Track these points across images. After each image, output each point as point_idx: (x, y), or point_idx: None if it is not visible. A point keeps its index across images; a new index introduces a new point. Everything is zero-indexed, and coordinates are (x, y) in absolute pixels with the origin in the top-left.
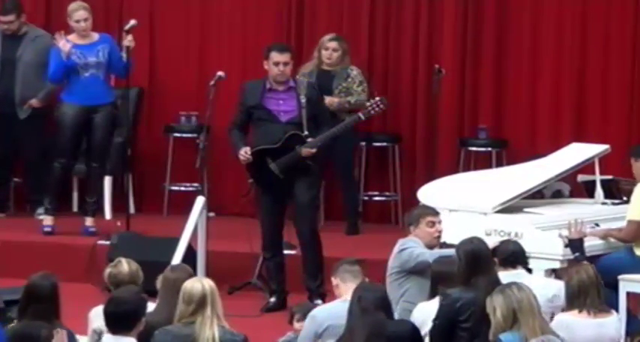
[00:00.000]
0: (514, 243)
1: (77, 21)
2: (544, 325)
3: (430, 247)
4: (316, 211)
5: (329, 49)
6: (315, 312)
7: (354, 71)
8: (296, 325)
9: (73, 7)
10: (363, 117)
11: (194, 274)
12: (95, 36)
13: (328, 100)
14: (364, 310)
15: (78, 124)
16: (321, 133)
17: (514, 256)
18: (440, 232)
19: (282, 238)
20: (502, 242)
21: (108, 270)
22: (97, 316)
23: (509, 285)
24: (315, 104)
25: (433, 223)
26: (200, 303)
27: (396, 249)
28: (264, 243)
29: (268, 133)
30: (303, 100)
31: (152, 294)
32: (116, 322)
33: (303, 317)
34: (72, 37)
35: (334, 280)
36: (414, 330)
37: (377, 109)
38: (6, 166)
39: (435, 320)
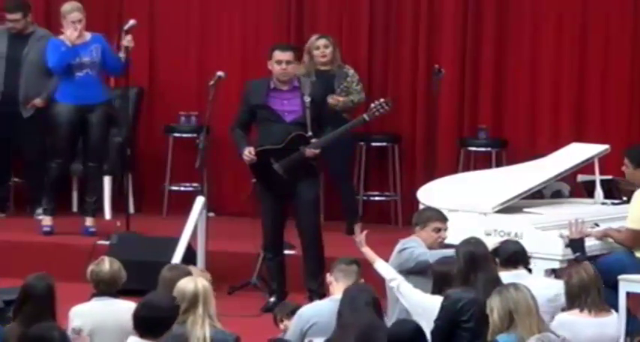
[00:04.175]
0: (515, 243)
1: (72, 22)
2: (541, 325)
3: (431, 249)
4: (320, 211)
5: (320, 48)
6: (302, 310)
7: (351, 71)
8: (281, 326)
9: (67, 8)
10: (367, 118)
11: (191, 273)
12: (88, 36)
13: (333, 99)
14: (356, 309)
15: (73, 123)
16: (324, 133)
17: (515, 256)
18: (444, 239)
19: (283, 238)
20: (503, 242)
21: (90, 267)
22: (76, 316)
23: (507, 286)
24: (319, 104)
25: (439, 230)
26: (192, 302)
27: (396, 249)
28: (265, 243)
29: (272, 133)
30: (307, 99)
31: None
32: (146, 326)
33: (287, 317)
34: (65, 36)
35: (329, 277)
36: (417, 330)
37: (382, 110)
38: (7, 165)
39: (436, 321)
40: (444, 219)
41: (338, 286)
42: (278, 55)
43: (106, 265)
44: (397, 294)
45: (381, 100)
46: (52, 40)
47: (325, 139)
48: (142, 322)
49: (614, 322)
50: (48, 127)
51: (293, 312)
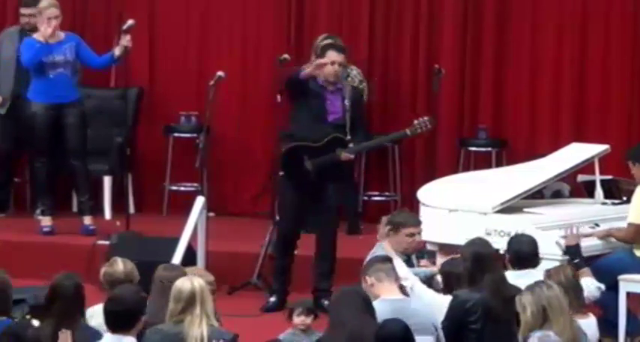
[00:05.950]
0: (527, 242)
1: (49, 18)
2: (572, 324)
3: (405, 254)
4: (339, 215)
5: None
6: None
7: (354, 71)
8: (296, 319)
9: (44, 4)
10: (409, 133)
11: (186, 273)
12: (62, 35)
13: None
14: (348, 310)
15: (50, 122)
16: (358, 139)
17: (526, 255)
18: (418, 243)
19: (297, 239)
20: (513, 241)
21: (103, 269)
22: (93, 316)
23: (539, 283)
24: (357, 109)
25: (412, 235)
26: (189, 301)
27: (372, 252)
28: (278, 242)
29: (311, 131)
30: (348, 103)
31: None
32: (116, 320)
33: (305, 311)
34: (39, 35)
35: (369, 280)
36: (406, 329)
37: (425, 128)
38: (12, 167)
39: (444, 321)
40: (417, 224)
41: (383, 285)
42: (334, 55)
43: (120, 265)
44: (410, 293)
45: (425, 118)
46: (26, 38)
47: (363, 147)
48: (110, 317)
49: (594, 324)
50: (24, 126)
51: (310, 309)
